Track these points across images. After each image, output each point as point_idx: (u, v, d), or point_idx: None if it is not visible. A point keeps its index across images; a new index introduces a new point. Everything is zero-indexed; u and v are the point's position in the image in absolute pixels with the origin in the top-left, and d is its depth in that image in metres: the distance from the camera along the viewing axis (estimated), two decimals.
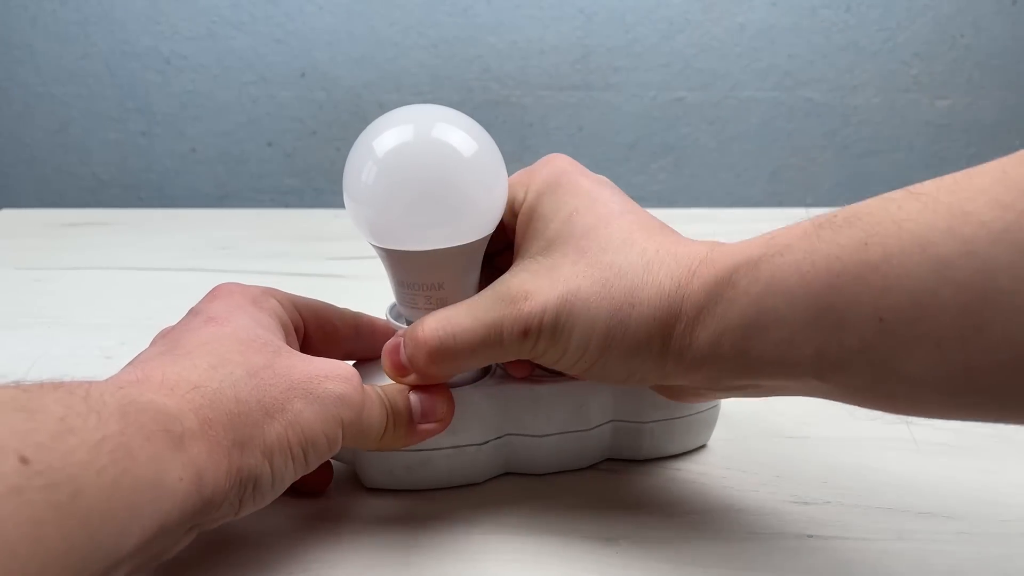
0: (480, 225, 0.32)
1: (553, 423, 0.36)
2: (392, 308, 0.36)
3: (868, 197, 0.27)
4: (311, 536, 0.33)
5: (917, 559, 0.32)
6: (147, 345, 0.31)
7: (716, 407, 0.39)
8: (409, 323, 0.35)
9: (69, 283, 0.62)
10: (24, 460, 0.20)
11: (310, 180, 1.43)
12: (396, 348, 0.33)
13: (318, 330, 0.35)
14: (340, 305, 0.38)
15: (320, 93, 1.39)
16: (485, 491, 0.36)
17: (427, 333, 0.31)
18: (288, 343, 0.32)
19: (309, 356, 0.31)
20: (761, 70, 1.40)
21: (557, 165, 0.33)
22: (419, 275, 0.32)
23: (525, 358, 0.32)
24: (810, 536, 0.33)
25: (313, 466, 0.29)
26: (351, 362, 0.38)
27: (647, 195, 1.28)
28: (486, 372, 0.36)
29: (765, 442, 0.40)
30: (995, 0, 1.37)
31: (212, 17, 1.35)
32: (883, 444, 0.39)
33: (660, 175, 1.28)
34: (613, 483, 0.37)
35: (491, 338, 0.31)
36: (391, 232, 0.31)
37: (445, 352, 0.31)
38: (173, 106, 1.40)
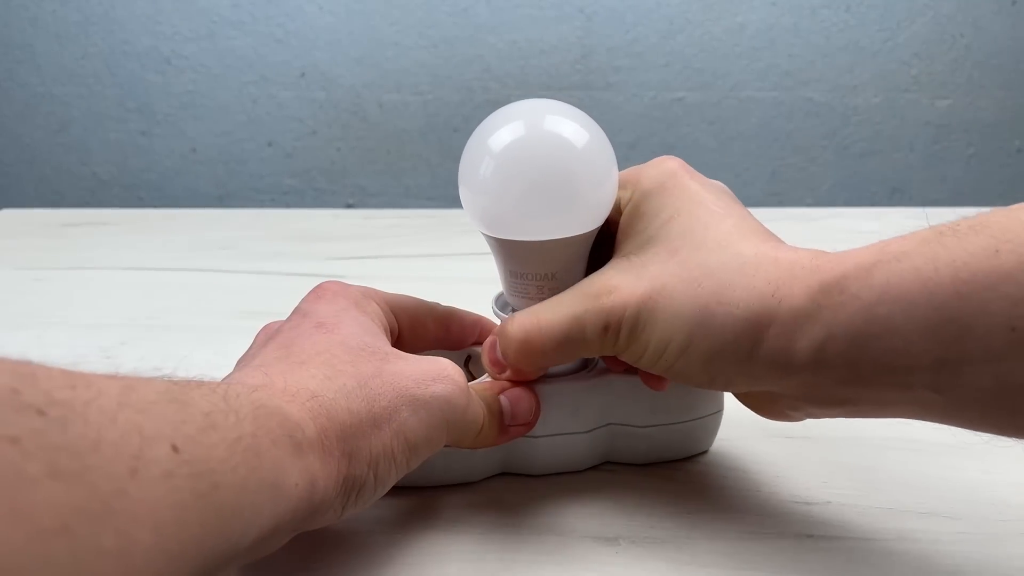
0: (590, 217, 0.32)
1: (548, 425, 0.35)
2: (498, 299, 0.37)
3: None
4: (311, 536, 0.33)
5: (917, 559, 0.32)
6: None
7: (719, 413, 0.38)
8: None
9: (69, 283, 0.62)
10: (176, 448, 0.21)
11: (310, 180, 1.43)
12: (493, 345, 0.34)
13: (410, 330, 0.36)
14: None
15: (320, 93, 1.39)
16: (484, 491, 0.36)
17: (514, 327, 0.32)
18: None
19: (414, 356, 0.31)
20: (761, 70, 1.40)
21: (667, 166, 0.33)
22: (533, 265, 0.33)
23: (608, 354, 0.32)
24: (810, 536, 0.33)
25: (412, 468, 0.30)
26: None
27: None
28: (587, 365, 0.37)
29: (765, 442, 0.40)
30: (995, 0, 1.37)
31: (212, 17, 1.35)
32: (883, 444, 0.39)
33: None
34: (613, 483, 0.37)
35: (574, 332, 0.31)
36: (506, 222, 0.32)
37: (532, 345, 0.32)
38: (173, 106, 1.40)
